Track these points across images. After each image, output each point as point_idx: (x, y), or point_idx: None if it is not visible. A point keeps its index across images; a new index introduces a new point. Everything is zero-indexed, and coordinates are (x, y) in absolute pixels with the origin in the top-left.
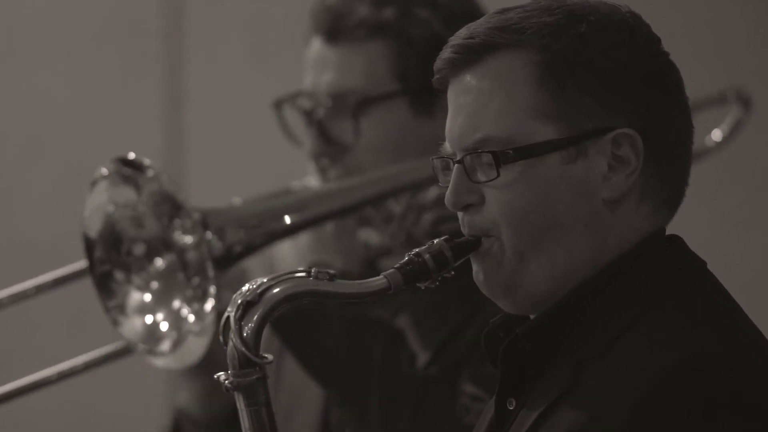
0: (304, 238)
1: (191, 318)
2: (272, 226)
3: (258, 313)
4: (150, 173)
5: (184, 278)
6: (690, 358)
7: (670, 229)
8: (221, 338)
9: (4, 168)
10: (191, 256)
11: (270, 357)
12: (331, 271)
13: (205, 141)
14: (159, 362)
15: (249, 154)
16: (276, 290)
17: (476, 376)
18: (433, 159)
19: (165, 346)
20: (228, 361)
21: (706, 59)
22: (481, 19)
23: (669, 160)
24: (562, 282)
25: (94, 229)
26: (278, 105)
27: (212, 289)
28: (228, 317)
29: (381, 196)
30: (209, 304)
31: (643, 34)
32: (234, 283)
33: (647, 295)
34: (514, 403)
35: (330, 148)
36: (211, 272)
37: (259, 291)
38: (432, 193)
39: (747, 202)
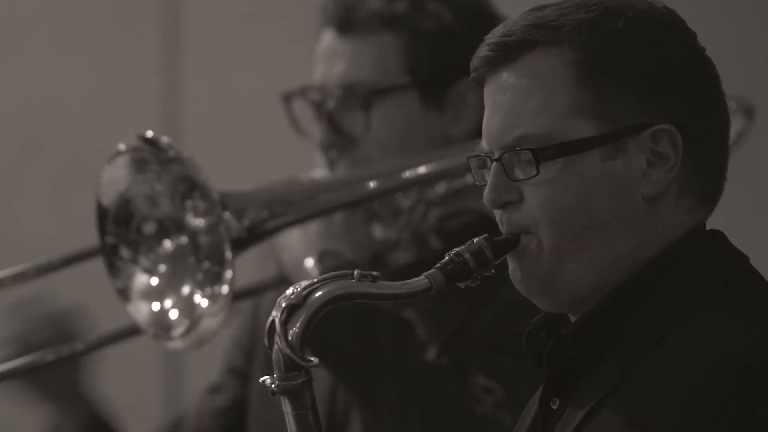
0: (313, 228)
1: (204, 302)
2: (291, 209)
3: (303, 316)
4: (171, 153)
5: (195, 261)
6: (741, 353)
7: None
8: (266, 342)
9: (1, 159)
10: (204, 239)
11: (315, 360)
12: (374, 273)
13: (203, 131)
14: (173, 345)
15: (246, 144)
16: (320, 293)
17: (486, 368)
18: (469, 158)
19: (178, 331)
20: (273, 364)
21: None
22: (518, 16)
23: (707, 156)
24: (604, 280)
25: (106, 202)
26: (287, 98)
27: (228, 272)
28: (273, 321)
29: (410, 184)
30: (225, 287)
31: (680, 30)
32: None
33: (694, 291)
34: (558, 403)
35: (339, 140)
36: (228, 254)
37: (303, 294)
38: (441, 188)
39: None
